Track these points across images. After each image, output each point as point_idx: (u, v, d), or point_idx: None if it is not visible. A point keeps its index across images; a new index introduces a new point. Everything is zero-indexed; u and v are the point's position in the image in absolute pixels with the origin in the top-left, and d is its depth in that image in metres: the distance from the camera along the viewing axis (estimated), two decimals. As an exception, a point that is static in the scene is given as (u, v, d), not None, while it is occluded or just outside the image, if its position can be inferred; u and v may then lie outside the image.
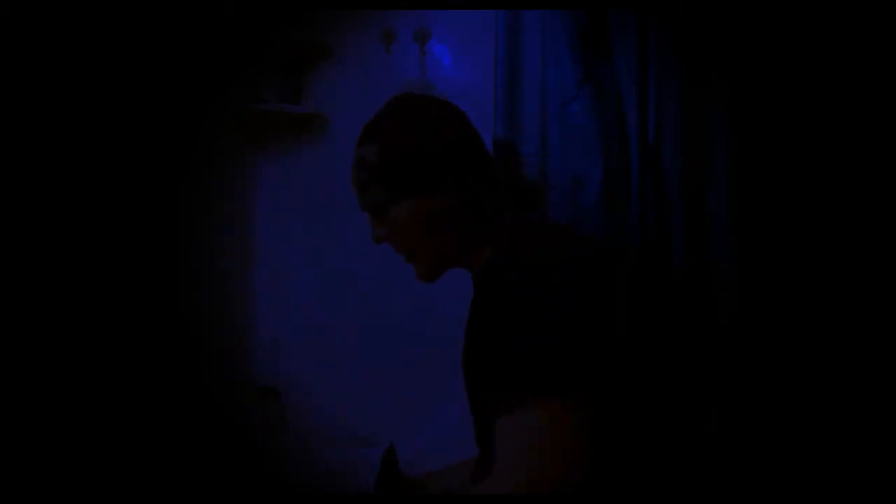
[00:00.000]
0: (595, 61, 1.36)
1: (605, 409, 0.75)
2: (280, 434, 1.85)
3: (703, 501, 1.08)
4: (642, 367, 0.87)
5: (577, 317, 0.73)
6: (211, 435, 1.65)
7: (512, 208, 0.94)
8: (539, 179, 1.39)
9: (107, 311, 1.34)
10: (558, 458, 0.69)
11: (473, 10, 1.73)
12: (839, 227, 1.15)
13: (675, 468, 0.95)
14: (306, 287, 1.92)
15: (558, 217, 1.37)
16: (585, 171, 1.35)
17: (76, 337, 1.26)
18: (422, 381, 1.76)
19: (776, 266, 1.19)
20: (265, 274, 1.93)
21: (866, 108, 1.13)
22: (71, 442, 1.22)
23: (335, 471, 1.74)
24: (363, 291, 1.86)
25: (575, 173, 1.36)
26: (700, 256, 1.27)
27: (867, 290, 1.12)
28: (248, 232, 1.93)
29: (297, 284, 1.92)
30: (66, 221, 1.26)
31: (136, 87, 1.44)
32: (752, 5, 1.22)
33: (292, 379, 1.88)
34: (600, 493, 0.75)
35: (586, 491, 0.73)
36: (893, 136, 1.11)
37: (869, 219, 1.13)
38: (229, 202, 1.89)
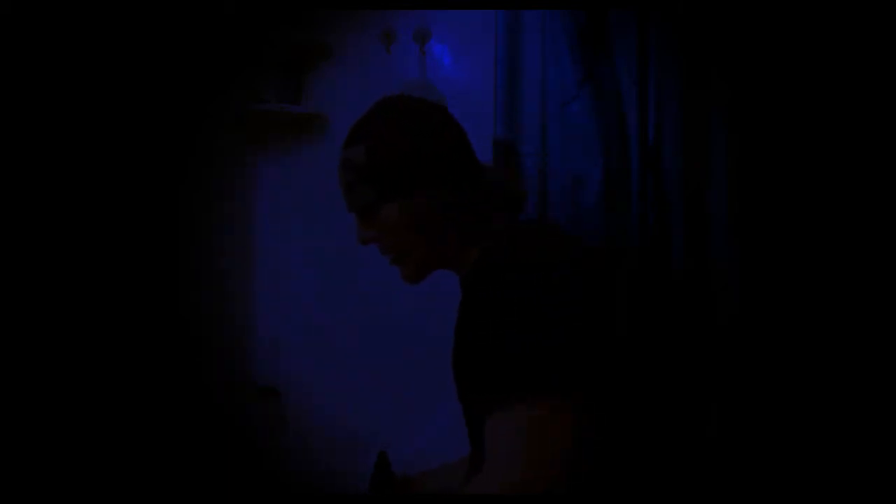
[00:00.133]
0: (595, 61, 1.36)
1: (605, 409, 0.75)
2: (280, 434, 1.85)
3: (703, 501, 1.08)
4: (642, 367, 0.87)
5: (577, 317, 0.73)
6: (211, 435, 1.65)
7: (500, 210, 0.94)
8: (538, 180, 1.39)
9: (107, 311, 1.34)
10: (554, 456, 0.69)
11: (473, 10, 1.73)
12: (839, 226, 1.15)
13: (675, 468, 0.95)
14: (306, 287, 1.92)
15: (558, 217, 1.37)
16: (585, 171, 1.35)
17: (76, 337, 1.26)
18: (422, 381, 1.76)
19: (776, 266, 1.19)
20: (265, 274, 1.93)
21: (866, 108, 1.13)
22: (71, 442, 1.22)
23: (335, 471, 1.74)
24: (363, 291, 1.86)
25: (575, 173, 1.36)
26: (700, 256, 1.27)
27: (867, 290, 1.12)
28: (248, 232, 1.93)
29: (297, 284, 1.92)
30: (66, 221, 1.26)
31: (136, 87, 1.44)
32: (752, 5, 1.22)
33: (292, 379, 1.88)
34: (600, 492, 0.75)
35: (585, 491, 0.73)
36: (893, 136, 1.11)
37: (868, 219, 1.13)
38: (229, 202, 1.89)
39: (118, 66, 1.38)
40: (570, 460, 0.69)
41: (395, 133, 0.90)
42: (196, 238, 1.72)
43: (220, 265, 1.84)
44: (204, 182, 1.76)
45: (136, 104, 1.44)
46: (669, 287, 1.28)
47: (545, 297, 0.73)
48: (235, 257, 1.90)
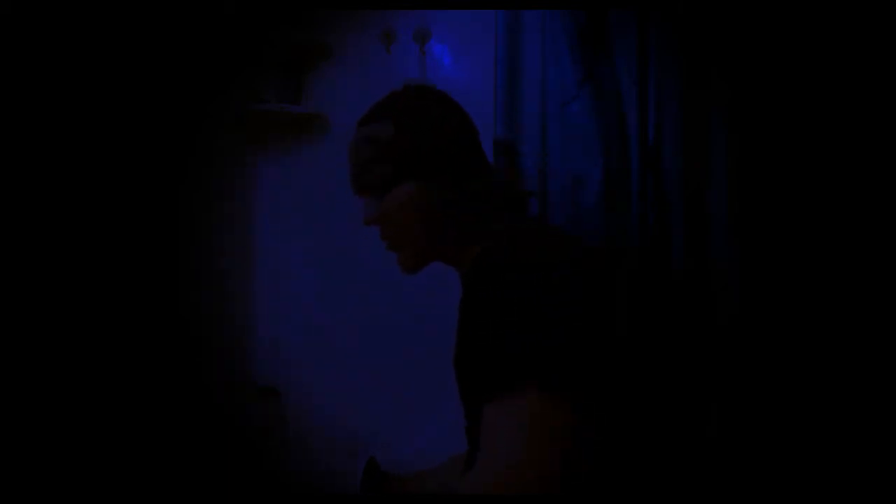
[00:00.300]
0: (595, 61, 1.36)
1: (605, 408, 0.75)
2: (280, 434, 1.85)
3: (703, 501, 1.08)
4: (642, 367, 0.87)
5: (576, 317, 0.73)
6: (211, 435, 1.65)
7: (505, 210, 0.95)
8: (538, 180, 1.39)
9: (107, 311, 1.34)
10: (554, 455, 0.69)
11: (473, 10, 1.73)
12: (839, 226, 1.15)
13: (675, 468, 0.95)
14: (306, 287, 1.92)
15: (558, 217, 1.37)
16: (585, 171, 1.35)
17: (77, 337, 1.26)
18: (422, 381, 1.76)
19: (776, 266, 1.19)
20: (265, 274, 1.93)
21: (866, 108, 1.13)
22: (71, 441, 1.22)
23: (335, 471, 1.74)
24: (363, 291, 1.86)
25: (575, 173, 1.36)
26: (700, 256, 1.27)
27: (867, 290, 1.12)
28: (248, 232, 1.93)
29: (297, 284, 1.92)
30: (66, 221, 1.26)
31: (136, 87, 1.44)
32: (751, 5, 1.22)
33: (292, 379, 1.88)
34: (599, 492, 0.75)
35: (585, 491, 0.73)
36: (893, 136, 1.11)
37: (868, 218, 1.13)
38: (229, 202, 1.89)
39: (118, 66, 1.38)
40: (569, 460, 0.69)
41: (425, 112, 0.93)
42: (196, 238, 1.72)
43: (220, 265, 1.84)
44: (204, 182, 1.76)
45: (137, 104, 1.44)
46: (669, 287, 1.28)
47: (545, 296, 0.73)
48: (235, 257, 1.90)
